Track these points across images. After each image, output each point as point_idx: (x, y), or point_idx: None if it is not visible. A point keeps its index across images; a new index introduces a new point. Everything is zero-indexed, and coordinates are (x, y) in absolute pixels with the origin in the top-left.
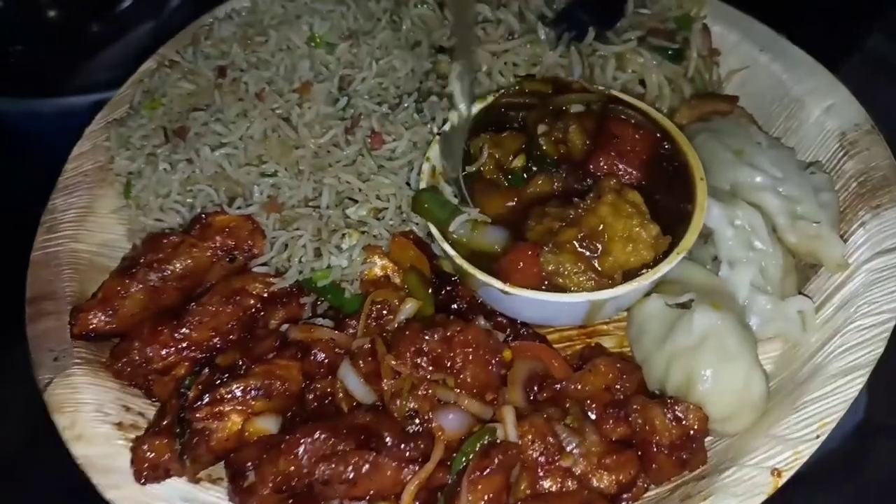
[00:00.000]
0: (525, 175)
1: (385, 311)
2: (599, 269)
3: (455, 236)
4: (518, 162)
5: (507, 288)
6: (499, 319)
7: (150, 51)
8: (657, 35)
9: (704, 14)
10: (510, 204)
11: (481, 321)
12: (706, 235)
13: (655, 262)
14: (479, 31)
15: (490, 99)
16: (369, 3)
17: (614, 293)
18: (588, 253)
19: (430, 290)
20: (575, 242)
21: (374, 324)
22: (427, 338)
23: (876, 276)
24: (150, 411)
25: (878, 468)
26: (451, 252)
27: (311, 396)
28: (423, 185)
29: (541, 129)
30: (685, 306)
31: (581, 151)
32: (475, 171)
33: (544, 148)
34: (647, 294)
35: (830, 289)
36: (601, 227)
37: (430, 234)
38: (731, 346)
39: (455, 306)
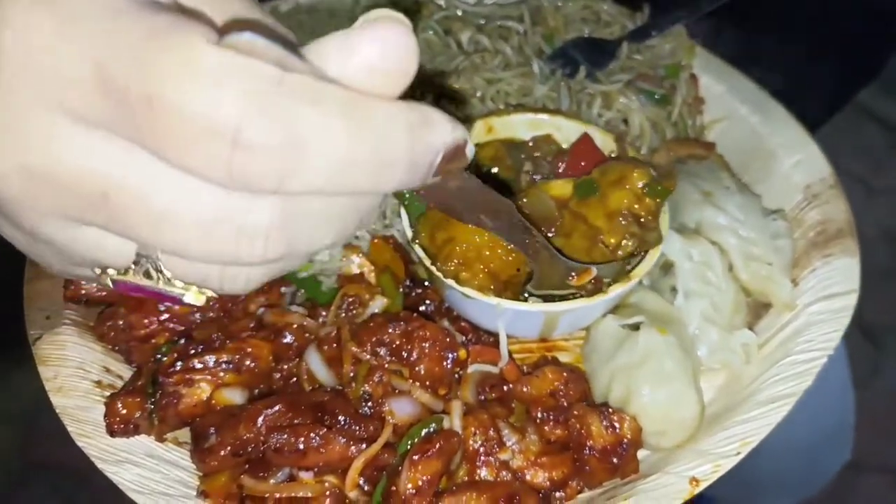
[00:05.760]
0: None
1: (355, 305)
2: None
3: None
4: None
5: (467, 291)
6: (462, 324)
7: None
8: (646, 80)
9: (692, 64)
10: None
11: (444, 323)
12: (667, 267)
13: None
14: (478, 59)
15: None
16: None
17: (569, 307)
18: None
19: (400, 291)
20: None
21: (343, 315)
22: (389, 330)
23: (816, 318)
24: (129, 375)
25: None
26: (414, 245)
27: (278, 376)
28: None
29: None
30: (635, 328)
31: None
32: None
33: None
34: (605, 315)
35: (776, 327)
36: None
37: (409, 241)
38: (669, 368)
39: (423, 308)
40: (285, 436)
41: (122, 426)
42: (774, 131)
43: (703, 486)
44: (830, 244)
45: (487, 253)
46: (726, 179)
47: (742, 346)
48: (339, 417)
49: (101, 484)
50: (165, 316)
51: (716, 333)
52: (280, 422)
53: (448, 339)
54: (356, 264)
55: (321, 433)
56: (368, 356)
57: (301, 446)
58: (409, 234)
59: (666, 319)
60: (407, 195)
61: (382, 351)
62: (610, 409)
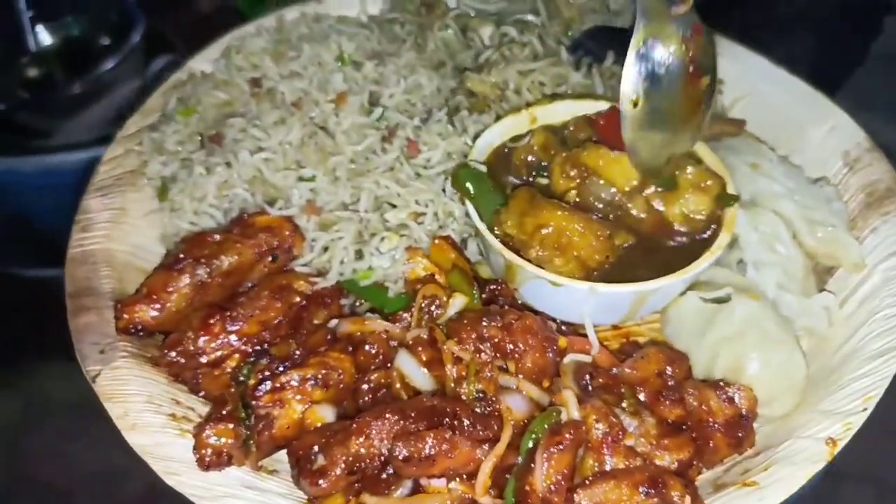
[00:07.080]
0: None
1: (434, 307)
2: None
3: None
4: None
5: (555, 278)
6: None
7: (133, 111)
8: None
9: None
10: None
11: None
12: (731, 241)
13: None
14: (507, 52)
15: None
16: (394, 27)
17: (658, 284)
18: None
19: (475, 288)
20: None
21: (425, 317)
22: (486, 324)
23: (894, 273)
24: (200, 406)
25: None
26: (490, 238)
27: (366, 388)
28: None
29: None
30: (723, 300)
31: None
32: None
33: None
34: (682, 294)
35: (849, 288)
36: None
37: (465, 239)
38: (773, 331)
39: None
40: (412, 443)
41: (214, 458)
42: (798, 103)
43: (840, 445)
44: (885, 203)
45: (577, 239)
46: (767, 151)
47: (823, 310)
48: (464, 419)
49: (85, 501)
50: (234, 337)
51: (794, 300)
52: (395, 431)
53: (547, 329)
54: (422, 266)
55: (448, 437)
56: (471, 354)
57: (431, 452)
58: (482, 227)
59: (745, 291)
60: (473, 191)
61: (484, 347)
62: (722, 382)
